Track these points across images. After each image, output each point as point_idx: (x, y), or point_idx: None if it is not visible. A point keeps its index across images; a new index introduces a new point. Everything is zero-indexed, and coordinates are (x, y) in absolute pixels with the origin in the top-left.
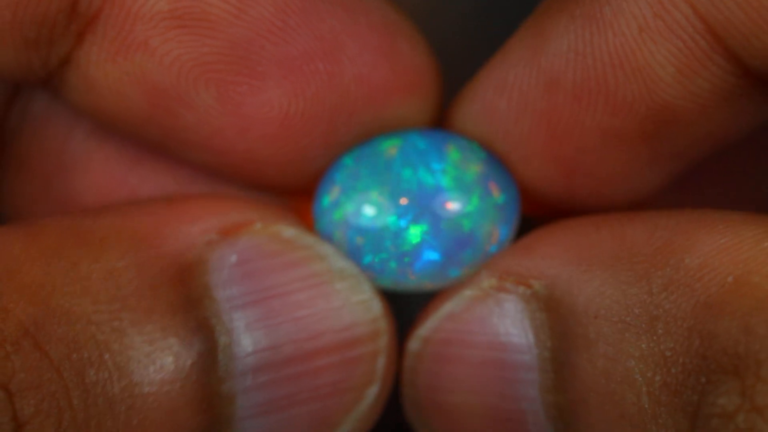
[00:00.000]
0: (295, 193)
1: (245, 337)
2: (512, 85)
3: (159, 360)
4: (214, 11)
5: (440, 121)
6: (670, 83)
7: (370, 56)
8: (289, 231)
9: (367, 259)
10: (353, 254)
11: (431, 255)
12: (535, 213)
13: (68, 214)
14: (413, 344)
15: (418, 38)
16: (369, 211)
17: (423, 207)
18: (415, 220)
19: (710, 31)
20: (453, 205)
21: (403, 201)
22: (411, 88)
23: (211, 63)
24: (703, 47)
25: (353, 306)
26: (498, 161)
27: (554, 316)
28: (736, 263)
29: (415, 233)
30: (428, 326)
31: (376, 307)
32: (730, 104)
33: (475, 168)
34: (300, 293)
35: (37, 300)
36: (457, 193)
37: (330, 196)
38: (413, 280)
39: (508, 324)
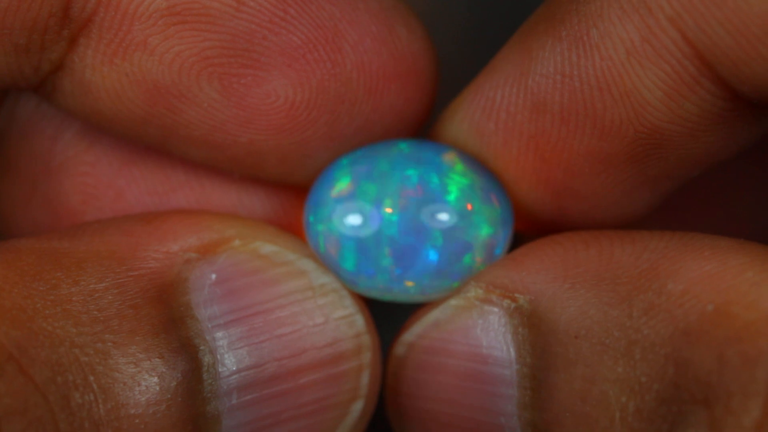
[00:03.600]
0: (293, 187)
1: (228, 356)
2: (499, 107)
3: (144, 381)
4: (214, 5)
5: (430, 124)
6: (658, 107)
7: (371, 43)
8: (267, 247)
9: (358, 264)
10: (344, 259)
11: (423, 261)
12: (528, 230)
13: (45, 235)
14: (398, 349)
15: (417, 24)
16: (362, 215)
17: (414, 215)
18: (406, 228)
19: (698, 56)
20: (445, 214)
21: (398, 206)
22: (410, 74)
23: (214, 57)
24: (691, 72)
25: (336, 322)
26: (492, 174)
27: (536, 332)
28: (717, 292)
29: (408, 239)
30: (413, 332)
31: (359, 322)
32: (718, 127)
33: (472, 179)
34: (281, 310)
35: (19, 324)
36: (450, 203)
37: (318, 202)
38: (404, 287)
39: (491, 337)
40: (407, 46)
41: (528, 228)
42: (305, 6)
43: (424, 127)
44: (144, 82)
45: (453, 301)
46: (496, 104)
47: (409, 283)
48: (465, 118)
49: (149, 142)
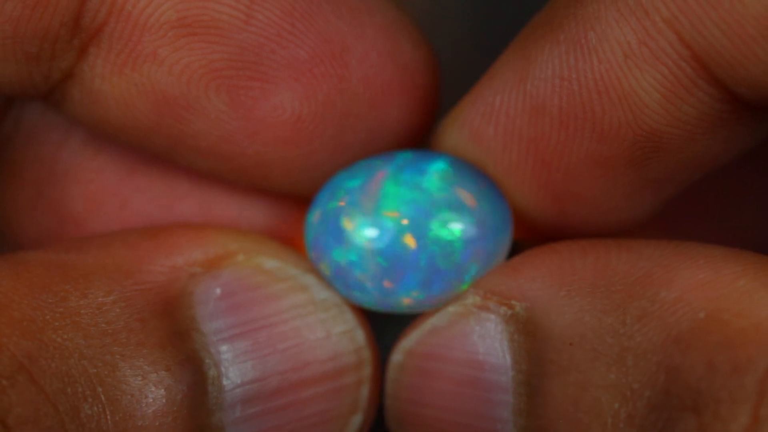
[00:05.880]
0: (296, 199)
1: (233, 370)
2: (499, 111)
3: (151, 393)
4: (223, 18)
5: (431, 135)
6: (656, 110)
7: (376, 57)
8: (270, 262)
9: (353, 276)
10: (339, 272)
11: (415, 274)
12: (528, 238)
13: (52, 248)
14: (396, 356)
15: (421, 38)
16: (355, 228)
17: (408, 227)
18: (400, 240)
19: (695, 58)
20: (439, 226)
21: (389, 221)
22: (413, 88)
23: (222, 69)
24: (688, 74)
25: (337, 336)
26: (490, 181)
27: (532, 339)
28: (710, 299)
29: (398, 252)
30: (412, 339)
31: (360, 337)
32: (717, 130)
33: (464, 190)
34: (284, 325)
35: (29, 335)
36: (444, 215)
37: (317, 213)
38: (398, 298)
39: (488, 343)
40: (411, 60)
41: (528, 235)
42: (313, 20)
43: (426, 137)
44: (153, 93)
45: (451, 308)
46: (495, 109)
47: (400, 298)
48: (465, 124)
49: (156, 151)
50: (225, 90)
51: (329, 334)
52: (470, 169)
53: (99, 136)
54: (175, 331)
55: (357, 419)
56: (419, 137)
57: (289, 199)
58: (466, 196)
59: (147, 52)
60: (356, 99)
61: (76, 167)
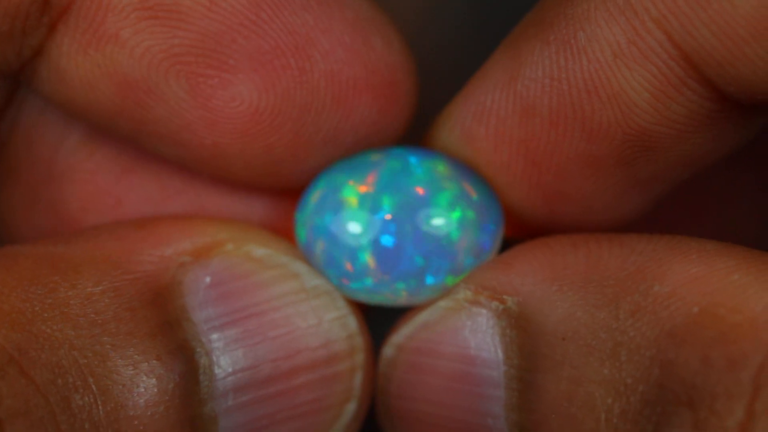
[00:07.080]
0: (290, 196)
1: (224, 358)
2: (490, 112)
3: (142, 383)
4: (185, 3)
5: (412, 127)
6: (645, 109)
7: (342, 53)
8: (260, 250)
9: (345, 266)
10: (332, 264)
11: (410, 263)
12: (519, 235)
13: (41, 241)
14: (388, 351)
15: (394, 35)
16: (350, 219)
17: (404, 215)
18: (395, 228)
19: (684, 57)
20: (434, 215)
21: (384, 209)
22: (383, 86)
23: (182, 55)
24: (677, 73)
25: (329, 323)
26: (482, 179)
27: (524, 334)
28: (703, 294)
29: (394, 240)
30: (403, 334)
31: (352, 324)
32: (707, 128)
33: (459, 182)
34: (275, 312)
35: (18, 327)
36: (440, 204)
37: (309, 202)
38: (388, 291)
39: (479, 338)
40: (382, 57)
41: (519, 233)
42: (278, 11)
43: (401, 138)
44: (115, 75)
45: (442, 303)
46: (486, 109)
47: (394, 287)
48: (456, 124)
49: (121, 134)
50: (184, 77)
51: (321, 321)
52: (463, 167)
53: (68, 115)
54: (165, 321)
55: (351, 407)
56: (392, 136)
57: (283, 197)
58: (461, 190)
59: (110, 33)
60: (318, 93)
61: (72, 168)
